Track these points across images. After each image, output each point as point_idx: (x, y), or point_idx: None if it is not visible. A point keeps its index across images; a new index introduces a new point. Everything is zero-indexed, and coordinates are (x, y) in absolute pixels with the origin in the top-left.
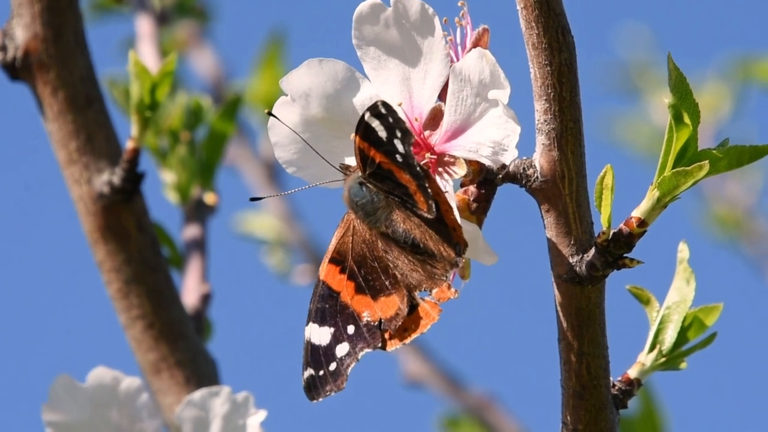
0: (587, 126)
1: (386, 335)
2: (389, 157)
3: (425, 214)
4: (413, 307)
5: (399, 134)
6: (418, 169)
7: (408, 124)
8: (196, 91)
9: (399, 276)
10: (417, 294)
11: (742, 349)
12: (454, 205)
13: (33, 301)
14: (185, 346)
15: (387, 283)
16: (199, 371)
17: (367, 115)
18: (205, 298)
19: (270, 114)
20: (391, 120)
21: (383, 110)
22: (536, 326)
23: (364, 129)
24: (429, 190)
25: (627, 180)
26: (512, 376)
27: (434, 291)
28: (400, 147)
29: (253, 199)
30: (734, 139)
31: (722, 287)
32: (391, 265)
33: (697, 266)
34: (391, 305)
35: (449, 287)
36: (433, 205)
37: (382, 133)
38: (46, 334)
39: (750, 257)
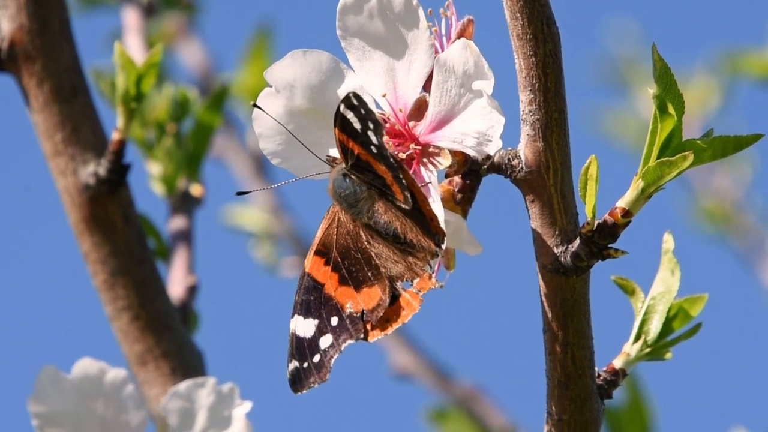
0: (575, 119)
1: (368, 326)
2: (365, 149)
3: (402, 205)
4: (395, 297)
5: (371, 125)
6: (391, 160)
7: (392, 114)
8: (183, 84)
9: (382, 267)
10: (399, 284)
11: (731, 343)
12: (437, 196)
13: (18, 293)
14: (171, 338)
15: (369, 274)
16: (185, 362)
17: (341, 107)
18: (192, 290)
19: (255, 106)
20: (363, 111)
21: (355, 102)
22: (521, 317)
23: (340, 121)
24: (404, 181)
25: (615, 173)
26: (499, 368)
27: (416, 281)
28: (373, 138)
29: (239, 193)
30: (723, 134)
31: (710, 280)
32: (374, 257)
33: (686, 259)
34: (373, 296)
35: (430, 277)
36: (409, 196)
37: (357, 125)
38: (32, 326)
39: (738, 250)
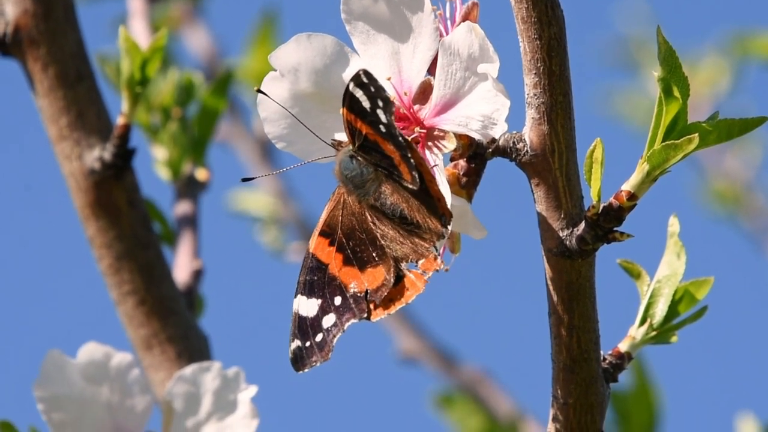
0: (586, 101)
1: (371, 305)
2: (374, 128)
3: (409, 185)
4: (399, 278)
5: (381, 103)
6: (400, 139)
7: (396, 98)
8: (188, 69)
9: (387, 247)
10: (404, 265)
11: (741, 325)
12: (443, 179)
13: (24, 277)
14: (176, 322)
15: (374, 254)
16: (191, 347)
17: (351, 86)
18: (197, 274)
19: (259, 91)
20: (372, 89)
21: (365, 79)
22: (527, 301)
23: (349, 100)
24: (412, 161)
25: (626, 155)
26: (504, 352)
27: (421, 262)
28: (382, 117)
29: (245, 180)
30: (732, 115)
31: (721, 262)
32: (379, 237)
33: (696, 241)
34: (377, 276)
35: (436, 258)
36: (417, 176)
37: (366, 104)
38: (38, 310)
39: (749, 232)
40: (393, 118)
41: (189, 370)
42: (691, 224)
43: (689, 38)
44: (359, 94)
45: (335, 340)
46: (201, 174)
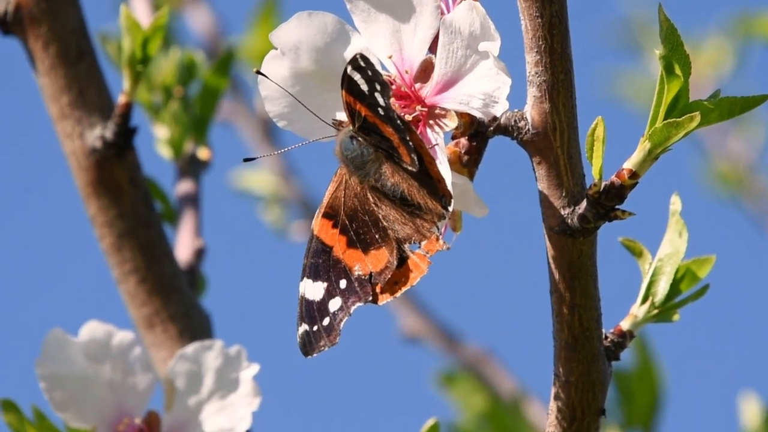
0: (588, 82)
1: (377, 289)
2: (372, 111)
3: (409, 167)
4: (403, 260)
5: (378, 87)
6: (398, 122)
7: (398, 76)
8: (190, 48)
9: (389, 229)
10: (407, 247)
11: (744, 305)
12: (444, 157)
13: (26, 256)
14: (178, 301)
15: (377, 236)
16: (193, 325)
17: (348, 69)
18: (199, 253)
19: (258, 72)
20: (370, 73)
21: (362, 63)
22: (529, 279)
23: (347, 83)
24: (411, 143)
25: (627, 136)
26: (506, 330)
27: (423, 243)
28: (380, 100)
29: (246, 160)
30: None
31: (723, 243)
32: (382, 219)
33: (698, 222)
34: (380, 258)
35: (438, 239)
36: (416, 158)
37: (364, 87)
38: (40, 289)
39: (752, 213)
40: (391, 101)
41: (191, 348)
42: (694, 206)
43: (692, 20)
44: (357, 77)
45: (342, 323)
46: (203, 153)
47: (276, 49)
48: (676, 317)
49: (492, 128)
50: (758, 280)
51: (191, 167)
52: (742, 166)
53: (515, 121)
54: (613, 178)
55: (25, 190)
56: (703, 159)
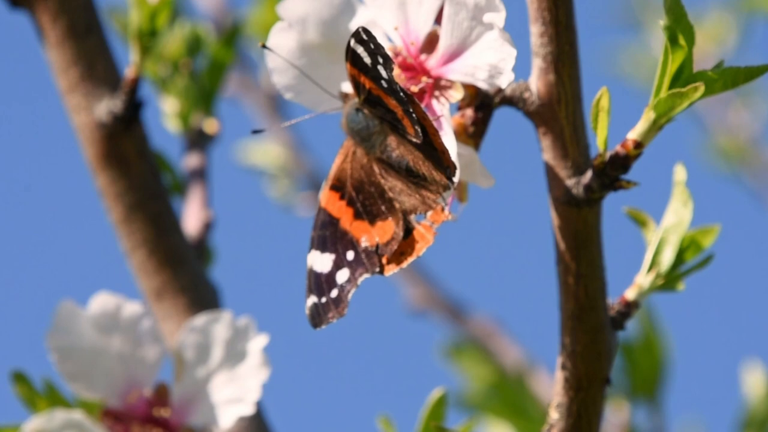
0: (589, 58)
1: (384, 260)
2: (376, 83)
3: (413, 139)
4: (409, 231)
5: (381, 60)
6: (402, 94)
7: (403, 48)
8: (198, 21)
9: (395, 200)
10: (413, 218)
11: (744, 278)
12: (449, 128)
13: (36, 228)
14: (187, 273)
15: (383, 207)
16: (201, 297)
17: (352, 42)
18: (207, 226)
19: (263, 46)
20: (372, 46)
21: (365, 36)
22: (534, 250)
23: (351, 55)
24: (414, 115)
25: (627, 111)
26: (512, 301)
27: (429, 214)
28: (383, 73)
29: (254, 132)
30: None
31: (724, 217)
32: (388, 190)
33: (699, 196)
34: (387, 229)
35: (443, 210)
36: (419, 130)
37: (367, 60)
38: (49, 261)
39: (752, 187)
40: (394, 73)
41: (200, 320)
42: (695, 179)
43: None
44: (360, 50)
45: (350, 295)
46: (210, 126)
47: (283, 21)
48: (681, 286)
49: (497, 99)
50: (758, 254)
51: (199, 140)
52: (742, 141)
53: (520, 92)
54: (618, 148)
55: (25, 188)
56: (704, 133)
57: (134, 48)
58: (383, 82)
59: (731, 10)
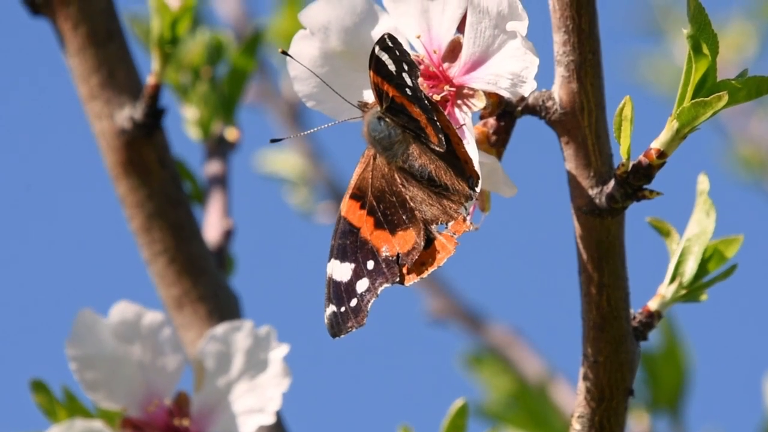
0: (611, 66)
1: (404, 270)
2: (400, 91)
3: (436, 148)
4: (430, 240)
5: (406, 67)
6: (426, 102)
7: (426, 56)
8: (219, 29)
9: (416, 210)
10: (434, 228)
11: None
12: (472, 137)
13: (56, 236)
14: (207, 281)
15: (404, 217)
16: (222, 306)
17: (376, 49)
18: (228, 234)
19: (284, 53)
20: (397, 53)
21: (390, 43)
22: (557, 259)
23: (375, 63)
24: (438, 124)
25: (649, 120)
26: (534, 311)
27: (450, 224)
28: (408, 80)
29: (274, 140)
30: None
31: (746, 227)
32: (409, 200)
33: (721, 206)
34: (408, 239)
35: (465, 220)
36: (443, 139)
37: (392, 67)
38: (70, 269)
39: None
40: (418, 81)
41: (220, 329)
42: (717, 189)
43: (716, 2)
44: (385, 57)
45: (369, 304)
46: (231, 134)
47: (305, 28)
48: (704, 297)
49: (520, 108)
50: None
51: (219, 148)
52: (764, 150)
53: (543, 100)
54: (641, 157)
55: (26, 187)
56: (726, 142)
57: (155, 55)
58: (408, 89)
59: (752, 18)
